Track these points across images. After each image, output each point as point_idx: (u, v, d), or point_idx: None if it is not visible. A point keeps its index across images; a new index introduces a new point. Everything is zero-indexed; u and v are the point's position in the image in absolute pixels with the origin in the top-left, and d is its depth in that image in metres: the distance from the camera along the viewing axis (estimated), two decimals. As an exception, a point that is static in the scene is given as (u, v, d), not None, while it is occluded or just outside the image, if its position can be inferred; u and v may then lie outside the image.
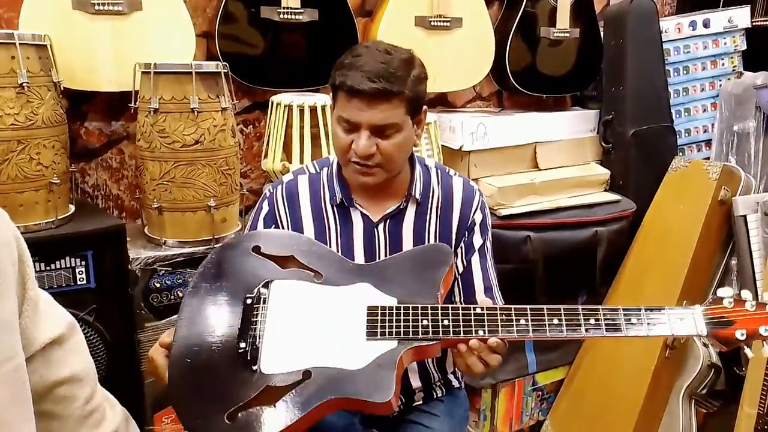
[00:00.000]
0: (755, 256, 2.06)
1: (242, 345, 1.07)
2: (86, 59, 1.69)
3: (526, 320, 1.05)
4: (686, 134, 2.49)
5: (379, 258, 1.31)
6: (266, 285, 1.14)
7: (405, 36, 2.04)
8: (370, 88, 1.13)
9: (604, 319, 1.04)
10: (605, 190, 2.33)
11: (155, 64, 1.58)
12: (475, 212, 1.36)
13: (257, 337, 1.08)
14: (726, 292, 1.03)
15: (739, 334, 0.98)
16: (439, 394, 1.38)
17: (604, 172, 2.34)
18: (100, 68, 1.71)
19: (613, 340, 2.17)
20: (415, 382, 1.34)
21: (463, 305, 1.09)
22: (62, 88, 1.57)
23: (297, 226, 1.33)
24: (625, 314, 1.03)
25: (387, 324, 1.07)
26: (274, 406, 0.99)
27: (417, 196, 1.31)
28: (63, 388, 0.72)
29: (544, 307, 1.05)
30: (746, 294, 1.03)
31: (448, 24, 2.10)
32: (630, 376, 2.12)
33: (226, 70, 1.66)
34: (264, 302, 1.12)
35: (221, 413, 0.98)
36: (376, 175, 1.23)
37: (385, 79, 1.14)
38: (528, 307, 1.06)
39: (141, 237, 1.75)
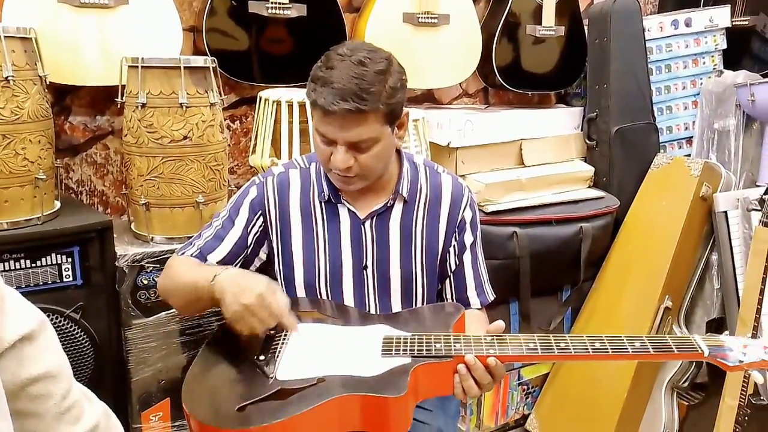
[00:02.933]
0: (736, 251, 2.10)
1: (261, 358, 1.11)
2: (71, 53, 1.67)
3: (534, 344, 1.07)
4: (668, 131, 2.53)
5: (366, 255, 1.32)
6: None
7: (392, 32, 2.05)
8: (342, 109, 1.12)
9: (609, 342, 1.06)
10: (589, 187, 2.37)
11: (143, 58, 1.56)
12: (464, 210, 1.37)
13: (277, 352, 1.13)
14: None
15: (741, 354, 1.01)
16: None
17: (589, 169, 2.37)
18: (85, 62, 1.69)
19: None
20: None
21: (474, 334, 1.12)
22: (47, 83, 1.54)
23: (285, 218, 1.33)
24: (628, 340, 1.06)
25: (402, 346, 1.11)
26: (284, 400, 1.01)
27: (404, 193, 1.32)
28: (37, 386, 0.70)
29: (551, 335, 1.09)
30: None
31: (436, 21, 2.11)
32: (613, 369, 2.15)
33: (214, 65, 1.65)
34: (287, 331, 1.19)
35: (232, 407, 1.01)
36: (356, 184, 1.25)
37: (357, 97, 1.12)
38: (535, 335, 1.09)
39: (127, 233, 1.73)
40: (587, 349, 1.05)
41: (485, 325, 1.17)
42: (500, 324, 1.13)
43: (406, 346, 1.10)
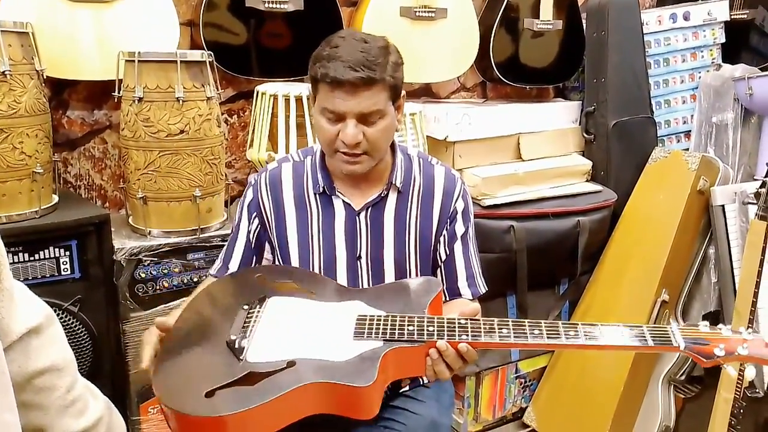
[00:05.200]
0: (733, 245, 2.10)
1: (233, 337, 1.10)
2: (68, 47, 1.67)
3: (508, 329, 1.06)
4: (666, 125, 2.53)
5: (360, 246, 1.33)
6: (263, 299, 1.21)
7: (390, 26, 2.05)
8: (354, 77, 1.15)
9: (583, 330, 1.05)
10: (587, 181, 2.37)
11: (140, 52, 1.57)
12: (456, 200, 1.38)
13: (248, 332, 1.12)
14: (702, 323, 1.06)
15: (718, 350, 1.00)
16: (426, 381, 1.39)
17: (586, 163, 2.37)
18: (82, 57, 1.69)
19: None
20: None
21: (448, 317, 1.11)
22: (45, 77, 1.55)
23: (279, 212, 1.34)
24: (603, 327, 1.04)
25: (374, 328, 1.10)
26: (253, 386, 1.00)
27: (398, 184, 1.33)
28: (42, 379, 0.72)
29: (526, 321, 1.07)
30: (721, 325, 1.06)
31: (433, 14, 2.11)
32: (610, 363, 2.16)
33: (211, 59, 1.66)
34: (260, 307, 1.19)
35: (200, 392, 0.98)
36: (364, 163, 1.25)
37: (366, 67, 1.16)
38: (510, 320, 1.08)
39: (125, 227, 1.73)
40: (560, 336, 1.03)
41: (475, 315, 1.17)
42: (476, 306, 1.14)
43: (379, 328, 1.09)
